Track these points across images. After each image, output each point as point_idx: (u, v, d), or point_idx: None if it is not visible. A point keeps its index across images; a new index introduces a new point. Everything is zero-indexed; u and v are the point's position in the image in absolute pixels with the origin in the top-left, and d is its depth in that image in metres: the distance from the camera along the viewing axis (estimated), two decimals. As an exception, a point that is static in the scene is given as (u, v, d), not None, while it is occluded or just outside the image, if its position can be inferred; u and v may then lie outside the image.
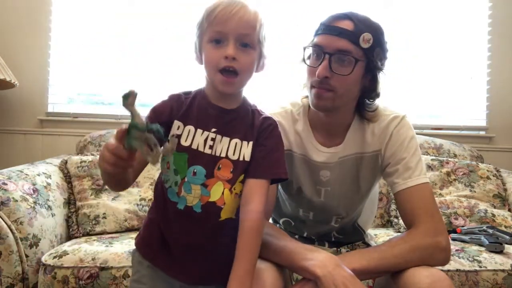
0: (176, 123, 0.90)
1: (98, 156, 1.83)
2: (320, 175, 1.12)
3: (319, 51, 0.99)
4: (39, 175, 1.62)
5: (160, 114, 0.90)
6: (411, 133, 1.08)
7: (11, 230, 1.32)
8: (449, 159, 2.02)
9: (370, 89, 1.04)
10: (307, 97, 1.13)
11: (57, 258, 1.35)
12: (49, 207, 1.54)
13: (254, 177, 0.91)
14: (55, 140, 2.24)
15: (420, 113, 2.41)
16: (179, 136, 0.90)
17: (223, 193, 0.90)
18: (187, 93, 0.95)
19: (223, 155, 0.90)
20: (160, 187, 0.94)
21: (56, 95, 2.30)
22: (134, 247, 0.99)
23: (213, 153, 0.90)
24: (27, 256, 1.35)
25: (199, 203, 0.89)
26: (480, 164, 2.00)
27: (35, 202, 1.47)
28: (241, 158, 0.91)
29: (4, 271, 1.29)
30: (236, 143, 0.91)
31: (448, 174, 1.93)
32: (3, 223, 1.31)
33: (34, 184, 1.54)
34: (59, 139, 2.24)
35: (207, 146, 0.90)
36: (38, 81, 2.26)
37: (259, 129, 0.93)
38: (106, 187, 1.75)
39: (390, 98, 2.11)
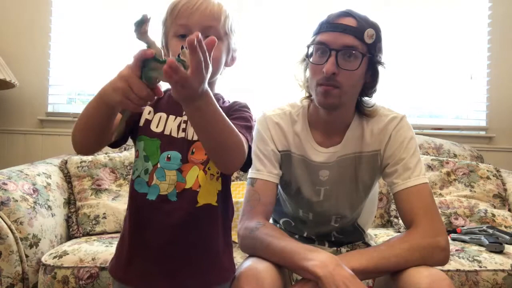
0: (147, 107, 0.87)
1: (97, 155, 1.84)
2: (319, 175, 1.12)
3: (325, 48, 0.99)
4: (39, 175, 1.62)
5: None
6: (410, 133, 1.08)
7: (11, 230, 1.32)
8: (449, 159, 2.02)
9: (370, 86, 1.06)
10: (306, 98, 1.13)
11: (57, 258, 1.36)
12: (49, 207, 1.54)
13: None
14: (55, 140, 2.24)
15: (420, 113, 2.41)
16: (149, 122, 0.87)
17: (197, 176, 0.86)
18: None
19: (195, 138, 0.86)
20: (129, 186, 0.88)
21: (56, 95, 2.30)
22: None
23: (186, 137, 0.87)
24: (27, 256, 1.35)
25: (174, 190, 0.84)
26: (480, 164, 2.00)
27: (35, 202, 1.47)
28: None
29: (4, 271, 1.29)
30: None
31: (448, 174, 1.93)
32: (3, 223, 1.31)
33: (34, 184, 1.54)
34: (59, 139, 2.24)
35: (181, 130, 0.87)
36: (38, 81, 2.26)
37: (228, 109, 0.89)
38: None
39: (390, 98, 2.12)
